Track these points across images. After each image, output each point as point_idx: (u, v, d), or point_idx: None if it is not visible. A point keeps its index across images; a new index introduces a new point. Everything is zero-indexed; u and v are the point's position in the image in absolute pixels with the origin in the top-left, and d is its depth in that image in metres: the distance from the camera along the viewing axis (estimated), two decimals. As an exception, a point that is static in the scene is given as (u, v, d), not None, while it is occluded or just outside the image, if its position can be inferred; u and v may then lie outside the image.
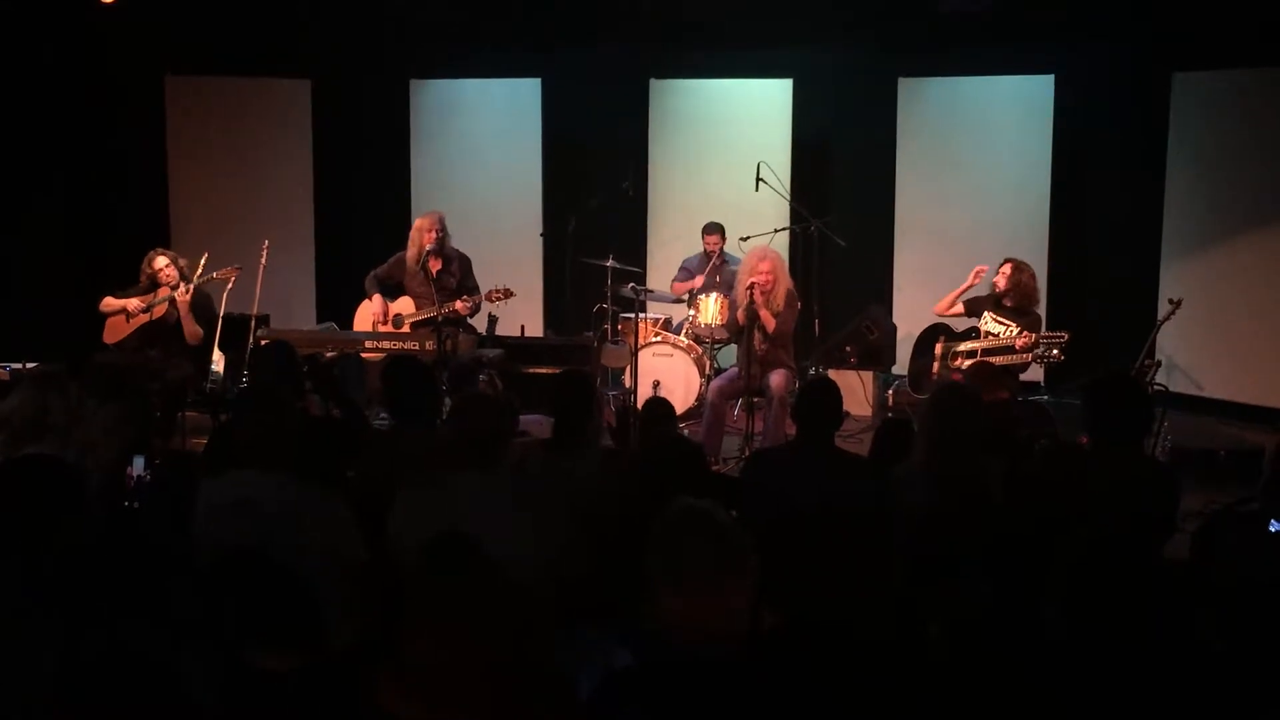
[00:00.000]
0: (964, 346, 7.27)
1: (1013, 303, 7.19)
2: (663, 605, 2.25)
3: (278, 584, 2.67)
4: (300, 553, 3.35)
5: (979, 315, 7.36)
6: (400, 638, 2.43)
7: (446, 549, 2.56)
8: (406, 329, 7.60)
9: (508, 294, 7.59)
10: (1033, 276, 7.25)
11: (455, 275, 7.71)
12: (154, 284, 7.37)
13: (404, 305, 7.74)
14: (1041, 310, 7.46)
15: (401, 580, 3.27)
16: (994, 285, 7.29)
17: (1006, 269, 7.24)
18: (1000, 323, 7.23)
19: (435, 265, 7.61)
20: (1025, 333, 7.00)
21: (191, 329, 7.31)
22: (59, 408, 4.57)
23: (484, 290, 7.67)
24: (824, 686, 2.29)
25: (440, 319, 7.25)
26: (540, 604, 3.24)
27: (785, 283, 7.15)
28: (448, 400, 5.60)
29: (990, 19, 8.84)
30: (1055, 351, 6.86)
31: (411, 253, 7.65)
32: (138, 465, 4.52)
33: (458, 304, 7.52)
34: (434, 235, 7.57)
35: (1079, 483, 3.85)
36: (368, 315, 7.79)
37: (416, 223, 7.71)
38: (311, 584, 3.20)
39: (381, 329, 7.65)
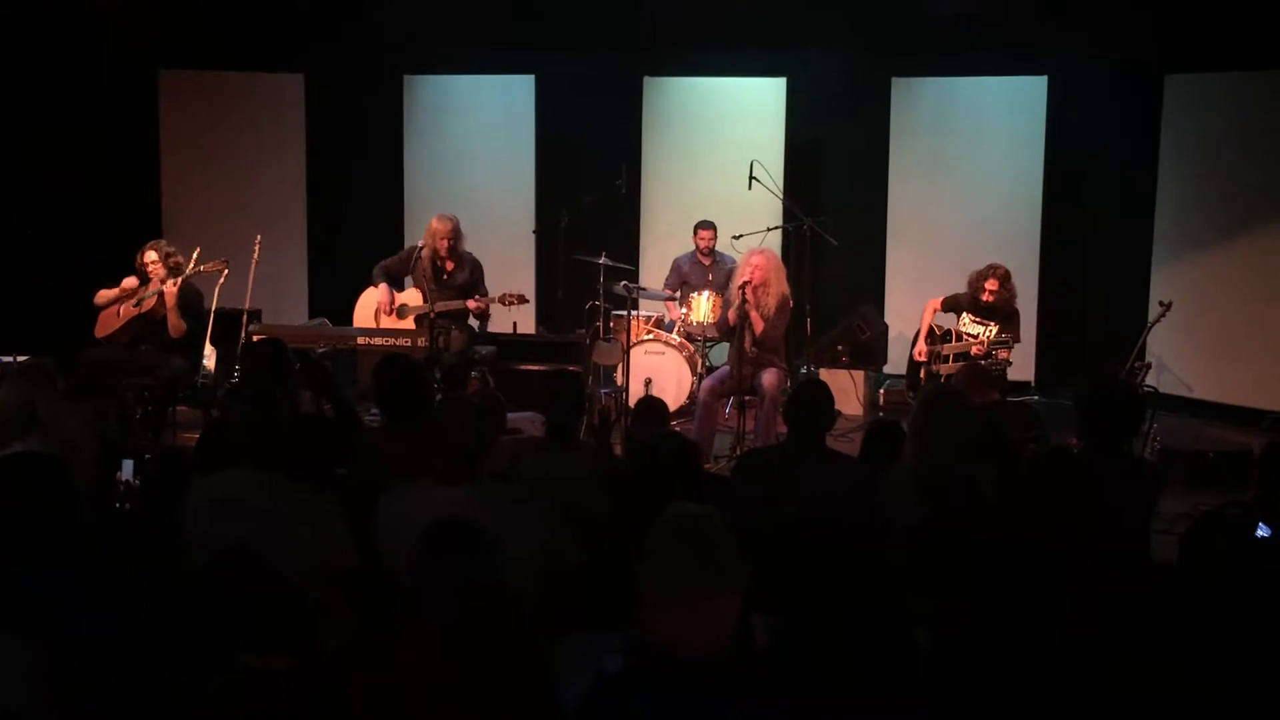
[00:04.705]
0: (945, 350, 7.38)
1: (993, 300, 7.28)
2: (649, 615, 2.24)
3: (267, 585, 2.67)
4: (290, 553, 3.35)
5: (958, 314, 7.46)
6: (389, 637, 2.43)
7: (448, 529, 2.55)
8: (410, 320, 7.66)
9: (521, 300, 7.70)
10: (1009, 276, 7.39)
11: (465, 276, 7.77)
12: (144, 278, 7.34)
13: (411, 296, 7.78)
14: (1021, 306, 7.54)
15: (389, 581, 3.28)
16: (983, 300, 7.33)
17: (993, 285, 7.29)
18: (978, 323, 7.32)
19: (449, 266, 7.72)
20: (996, 334, 7.20)
21: (175, 322, 7.26)
22: (45, 402, 4.55)
23: (495, 293, 7.71)
24: (813, 695, 2.30)
25: (434, 315, 7.28)
26: (531, 609, 3.24)
27: (779, 287, 7.02)
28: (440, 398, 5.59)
29: (983, 20, 8.84)
30: (1004, 353, 7.17)
31: (425, 250, 7.71)
32: (127, 469, 4.49)
33: (470, 302, 7.62)
34: (446, 244, 7.66)
35: (1069, 487, 3.85)
36: (371, 302, 7.87)
37: (432, 224, 7.72)
38: (301, 585, 3.20)
39: (385, 317, 7.75)
